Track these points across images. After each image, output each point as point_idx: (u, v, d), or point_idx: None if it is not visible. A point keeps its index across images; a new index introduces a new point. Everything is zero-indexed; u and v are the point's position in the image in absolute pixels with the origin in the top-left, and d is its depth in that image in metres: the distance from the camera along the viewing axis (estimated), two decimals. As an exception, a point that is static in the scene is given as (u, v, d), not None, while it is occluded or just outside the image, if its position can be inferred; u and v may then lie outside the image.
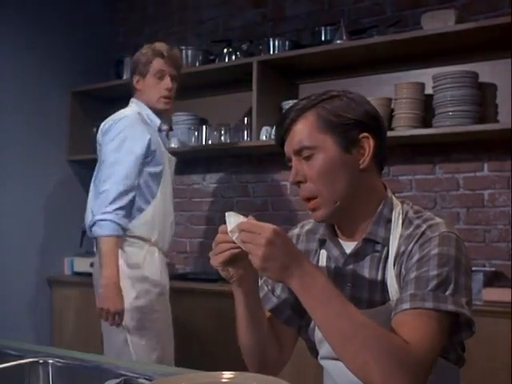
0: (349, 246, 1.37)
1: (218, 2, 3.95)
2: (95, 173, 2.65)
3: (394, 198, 1.38)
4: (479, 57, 2.94)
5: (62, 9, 3.99)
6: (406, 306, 1.19)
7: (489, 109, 2.90)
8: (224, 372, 1.05)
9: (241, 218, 1.19)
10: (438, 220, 1.30)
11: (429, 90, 2.97)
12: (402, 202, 1.38)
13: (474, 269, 2.77)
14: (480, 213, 2.99)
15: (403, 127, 2.95)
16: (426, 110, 2.97)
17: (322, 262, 1.43)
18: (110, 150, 2.51)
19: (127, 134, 2.51)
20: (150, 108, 2.67)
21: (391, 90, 3.06)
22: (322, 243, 1.44)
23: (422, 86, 2.99)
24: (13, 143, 3.72)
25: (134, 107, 2.67)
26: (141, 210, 2.55)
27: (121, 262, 2.45)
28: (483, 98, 2.87)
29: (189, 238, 3.94)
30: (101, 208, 2.42)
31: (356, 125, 1.32)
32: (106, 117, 2.66)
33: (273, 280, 1.41)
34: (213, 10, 3.97)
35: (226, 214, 1.20)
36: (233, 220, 1.19)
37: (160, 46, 2.69)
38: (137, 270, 2.52)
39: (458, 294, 1.19)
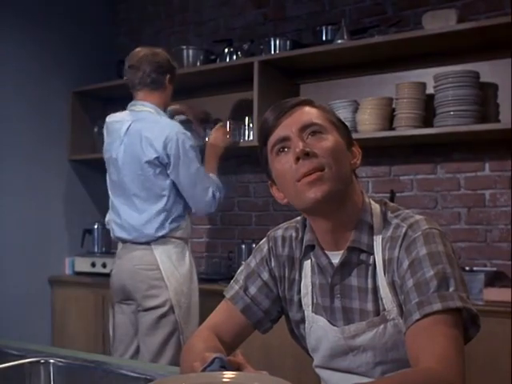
0: (333, 256, 1.32)
1: (219, 2, 3.95)
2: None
3: (371, 201, 1.34)
4: (480, 56, 2.94)
5: (62, 10, 3.99)
6: (416, 316, 1.15)
7: (490, 108, 2.90)
8: (225, 371, 1.05)
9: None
10: (418, 217, 1.27)
11: (430, 90, 2.97)
12: (381, 203, 1.34)
13: (474, 269, 2.78)
14: (481, 213, 2.99)
15: (404, 127, 2.94)
16: (427, 109, 2.97)
17: (307, 272, 1.38)
18: None
19: None
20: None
21: (392, 90, 3.06)
22: (307, 251, 1.37)
23: (423, 85, 2.99)
24: (14, 143, 3.72)
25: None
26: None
27: (169, 263, 2.68)
28: (484, 98, 2.87)
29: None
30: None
31: (347, 129, 1.36)
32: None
33: None
34: (214, 10, 3.97)
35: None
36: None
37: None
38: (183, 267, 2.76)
39: (459, 290, 1.17)
